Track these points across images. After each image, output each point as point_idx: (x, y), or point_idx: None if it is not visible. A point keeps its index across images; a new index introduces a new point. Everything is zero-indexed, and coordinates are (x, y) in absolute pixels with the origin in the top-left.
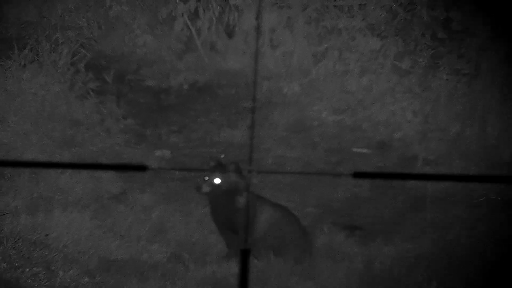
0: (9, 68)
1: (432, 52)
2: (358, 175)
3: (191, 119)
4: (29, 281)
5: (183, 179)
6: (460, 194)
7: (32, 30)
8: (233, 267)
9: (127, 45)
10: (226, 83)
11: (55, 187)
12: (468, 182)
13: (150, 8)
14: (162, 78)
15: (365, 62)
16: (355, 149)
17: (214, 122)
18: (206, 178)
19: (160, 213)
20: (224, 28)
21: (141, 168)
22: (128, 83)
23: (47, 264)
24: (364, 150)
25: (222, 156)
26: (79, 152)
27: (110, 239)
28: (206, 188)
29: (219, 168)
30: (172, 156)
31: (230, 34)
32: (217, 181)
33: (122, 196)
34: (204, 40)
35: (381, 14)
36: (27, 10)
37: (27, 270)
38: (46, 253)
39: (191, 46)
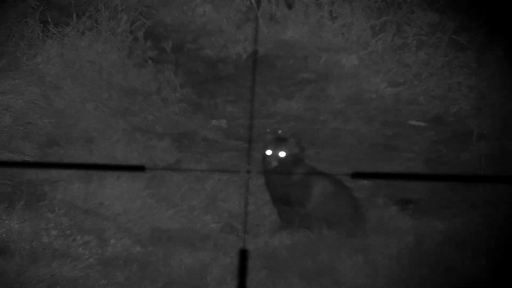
0: (67, 35)
1: (489, 27)
2: (356, 175)
3: (248, 89)
4: (80, 249)
5: (238, 149)
6: None
7: None
8: (286, 239)
9: (186, 14)
10: (283, 54)
11: (110, 156)
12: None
13: None
14: (220, 48)
15: (423, 36)
16: (411, 122)
17: (270, 93)
18: (269, 152)
19: (214, 183)
20: None
21: (140, 168)
22: (186, 52)
23: (98, 233)
24: (420, 123)
25: (280, 131)
26: (135, 121)
27: (163, 208)
28: (274, 163)
29: (280, 141)
30: (227, 126)
31: (290, 5)
32: (282, 154)
33: (176, 166)
34: (263, 11)
35: None
36: None
37: (78, 238)
38: (98, 222)
39: (251, 16)
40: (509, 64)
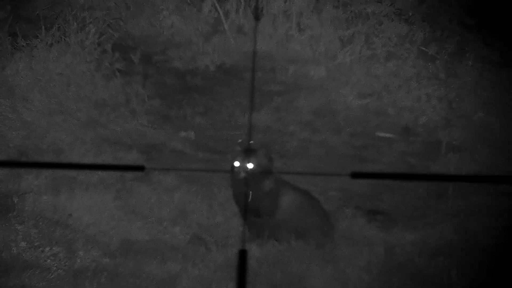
0: (36, 47)
1: (459, 38)
2: (356, 175)
3: (216, 101)
4: (48, 261)
5: (207, 161)
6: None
7: (60, 10)
8: (255, 250)
9: (154, 26)
10: (251, 66)
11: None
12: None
13: None
14: (188, 60)
15: (392, 47)
16: (379, 134)
17: (239, 105)
18: (237, 163)
19: (182, 195)
20: (252, 11)
21: (140, 168)
22: (154, 64)
23: (67, 244)
24: (388, 135)
25: (251, 142)
26: (103, 133)
27: (132, 220)
28: (242, 174)
29: (249, 153)
30: (196, 137)
31: (257, 17)
32: (249, 166)
33: (145, 177)
34: (231, 22)
35: (409, 0)
36: None
37: (47, 249)
38: (67, 233)
39: (219, 28)
40: (478, 74)
